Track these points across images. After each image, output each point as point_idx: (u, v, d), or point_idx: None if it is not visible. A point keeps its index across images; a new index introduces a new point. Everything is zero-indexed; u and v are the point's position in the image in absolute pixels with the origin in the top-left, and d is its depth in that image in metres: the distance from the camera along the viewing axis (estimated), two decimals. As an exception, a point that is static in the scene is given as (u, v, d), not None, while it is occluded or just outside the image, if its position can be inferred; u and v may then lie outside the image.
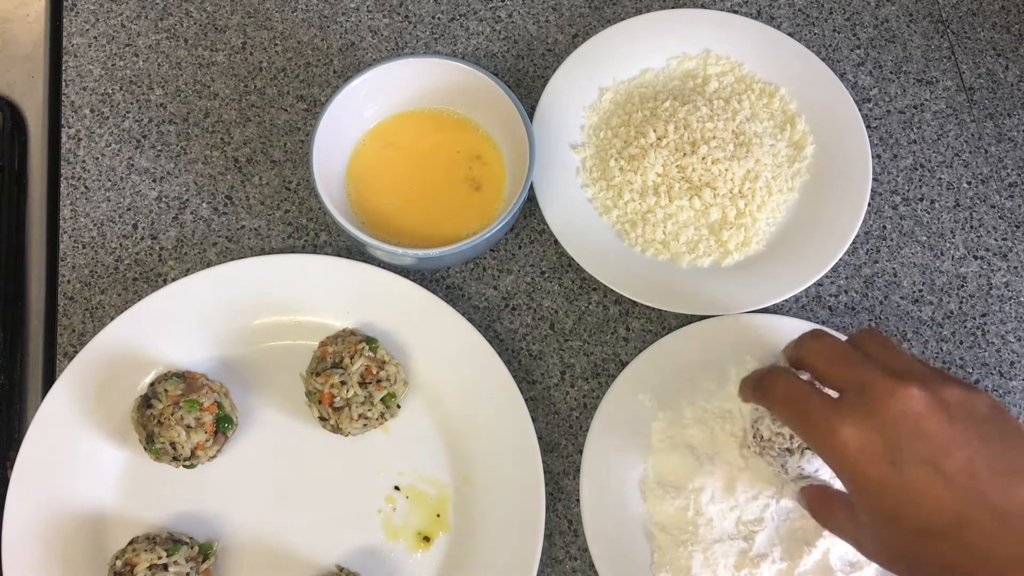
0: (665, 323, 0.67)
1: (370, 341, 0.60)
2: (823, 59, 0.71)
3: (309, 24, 0.75)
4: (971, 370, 0.67)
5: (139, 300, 0.62)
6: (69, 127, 0.71)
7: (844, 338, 0.51)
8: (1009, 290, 0.69)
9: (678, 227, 0.67)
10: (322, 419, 0.59)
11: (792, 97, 0.71)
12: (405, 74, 0.65)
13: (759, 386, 0.51)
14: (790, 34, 0.72)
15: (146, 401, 0.57)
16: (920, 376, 0.46)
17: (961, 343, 0.67)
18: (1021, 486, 0.42)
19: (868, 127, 0.70)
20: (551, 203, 0.66)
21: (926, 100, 0.74)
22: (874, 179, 0.70)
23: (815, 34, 0.76)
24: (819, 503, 0.53)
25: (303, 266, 0.64)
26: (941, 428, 0.43)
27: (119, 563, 0.55)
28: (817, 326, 0.58)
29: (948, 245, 0.70)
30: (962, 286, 0.69)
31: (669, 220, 0.67)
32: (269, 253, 0.67)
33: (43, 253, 0.69)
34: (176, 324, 0.62)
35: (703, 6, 0.76)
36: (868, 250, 0.70)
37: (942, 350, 0.67)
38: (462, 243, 0.60)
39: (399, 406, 0.61)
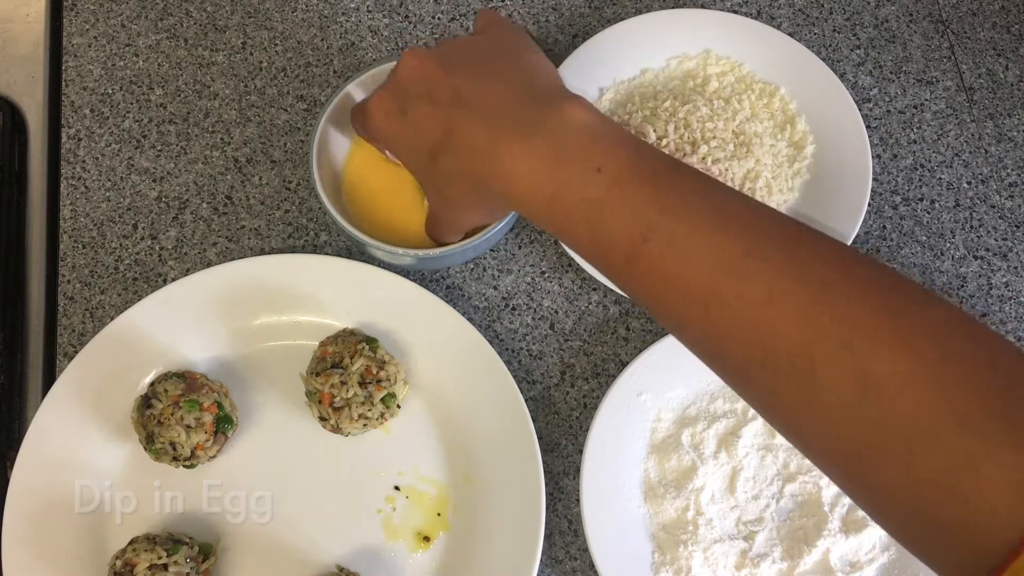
0: (665, 323, 0.67)
1: (370, 341, 0.60)
2: (823, 59, 0.71)
3: (309, 24, 0.75)
4: (971, 370, 0.67)
5: (139, 300, 0.62)
6: (69, 127, 0.71)
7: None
8: (1009, 290, 0.69)
9: (678, 227, 0.67)
10: (322, 419, 0.59)
11: (792, 97, 0.71)
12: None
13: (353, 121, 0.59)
14: (790, 34, 0.72)
15: (146, 401, 0.57)
16: (447, 43, 0.52)
17: (961, 343, 0.67)
18: (492, 83, 0.48)
19: (868, 127, 0.70)
20: (551, 203, 0.65)
21: (926, 100, 0.74)
22: (874, 179, 0.70)
23: (815, 34, 0.76)
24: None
25: (303, 266, 0.64)
26: (434, 71, 0.50)
27: (119, 563, 0.55)
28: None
29: (948, 245, 0.70)
30: (962, 286, 0.69)
31: (669, 220, 0.67)
32: (269, 253, 0.67)
33: (43, 253, 0.68)
34: (176, 324, 0.62)
35: (703, 6, 0.76)
36: (868, 250, 0.70)
37: (942, 350, 0.67)
38: (462, 243, 0.60)
39: (399, 406, 0.61)
